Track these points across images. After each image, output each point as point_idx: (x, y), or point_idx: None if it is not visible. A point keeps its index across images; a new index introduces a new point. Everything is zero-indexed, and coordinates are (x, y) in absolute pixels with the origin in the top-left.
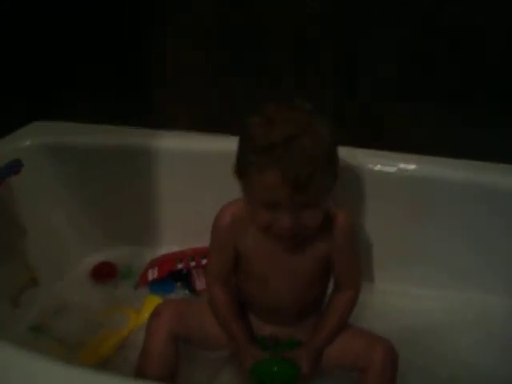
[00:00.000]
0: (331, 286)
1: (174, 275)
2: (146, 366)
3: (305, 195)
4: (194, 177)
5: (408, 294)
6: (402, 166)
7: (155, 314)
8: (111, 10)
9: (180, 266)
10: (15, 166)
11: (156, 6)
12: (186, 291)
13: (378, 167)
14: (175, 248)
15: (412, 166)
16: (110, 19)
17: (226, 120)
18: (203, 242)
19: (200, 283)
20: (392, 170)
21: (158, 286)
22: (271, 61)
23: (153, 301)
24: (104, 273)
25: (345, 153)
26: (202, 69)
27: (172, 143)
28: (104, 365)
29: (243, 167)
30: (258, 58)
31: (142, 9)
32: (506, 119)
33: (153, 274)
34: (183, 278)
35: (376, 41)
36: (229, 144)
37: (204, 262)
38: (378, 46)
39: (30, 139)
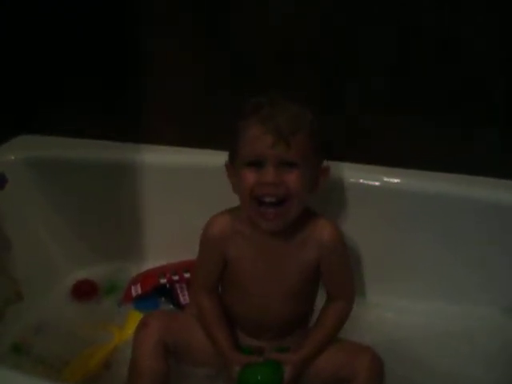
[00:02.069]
0: (318, 304)
1: (158, 290)
2: (136, 380)
3: (287, 148)
4: (178, 191)
5: (394, 307)
6: (386, 179)
7: (143, 324)
8: (98, 21)
9: (163, 280)
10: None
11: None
12: (171, 306)
13: (363, 181)
14: (161, 262)
15: (397, 180)
16: (98, 31)
17: (217, 123)
18: (188, 256)
19: (184, 298)
20: (377, 183)
21: (142, 302)
22: (254, 72)
23: (135, 317)
24: (84, 291)
25: (330, 167)
26: (192, 71)
27: (157, 157)
28: (90, 382)
29: (233, 143)
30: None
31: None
32: (493, 132)
33: (136, 290)
34: (167, 293)
35: (363, 54)
36: (214, 158)
37: (187, 275)
38: (364, 60)
39: (14, 153)
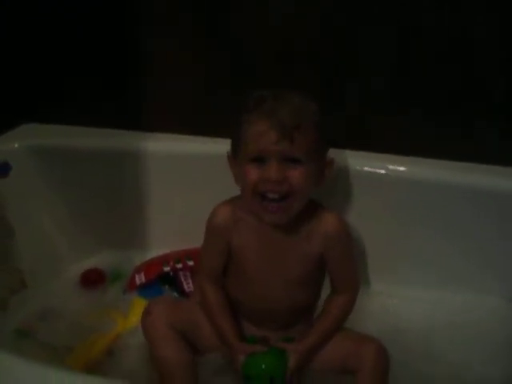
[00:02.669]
0: (323, 295)
1: (161, 278)
2: (162, 365)
3: (290, 144)
4: (181, 180)
5: (398, 296)
6: (391, 167)
7: (147, 313)
8: (100, 17)
9: (167, 268)
10: (3, 169)
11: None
12: (175, 294)
13: (367, 169)
14: (164, 251)
15: (401, 168)
16: (100, 26)
17: (217, 123)
18: (191, 244)
19: (188, 285)
20: (381, 171)
21: (146, 290)
22: (255, 64)
23: (140, 304)
24: (92, 279)
25: (333, 155)
26: (192, 71)
27: (160, 146)
28: (92, 369)
29: (236, 136)
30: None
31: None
32: (493, 132)
33: (140, 279)
34: (171, 280)
35: (363, 54)
36: (217, 146)
37: (190, 263)
38: (364, 60)
39: (18, 142)
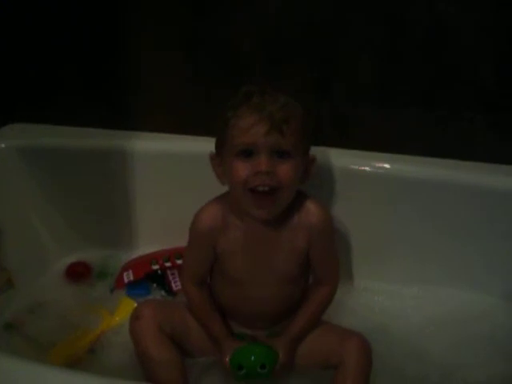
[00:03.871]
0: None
1: (149, 277)
2: (153, 369)
3: (280, 137)
4: (168, 178)
5: (382, 292)
6: (376, 164)
7: (136, 317)
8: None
9: (155, 267)
10: None
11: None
12: (163, 292)
13: (352, 166)
14: (151, 249)
15: (386, 165)
16: (88, 24)
17: (203, 121)
18: (179, 242)
19: (176, 284)
20: (366, 168)
21: (134, 288)
22: (243, 61)
23: (126, 304)
24: (78, 272)
25: (318, 152)
26: (179, 70)
27: (147, 144)
28: (73, 366)
29: (222, 133)
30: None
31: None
32: (477, 119)
33: (128, 277)
34: (159, 279)
35: (351, 44)
36: (204, 145)
37: (179, 262)
38: (352, 51)
39: (4, 141)
